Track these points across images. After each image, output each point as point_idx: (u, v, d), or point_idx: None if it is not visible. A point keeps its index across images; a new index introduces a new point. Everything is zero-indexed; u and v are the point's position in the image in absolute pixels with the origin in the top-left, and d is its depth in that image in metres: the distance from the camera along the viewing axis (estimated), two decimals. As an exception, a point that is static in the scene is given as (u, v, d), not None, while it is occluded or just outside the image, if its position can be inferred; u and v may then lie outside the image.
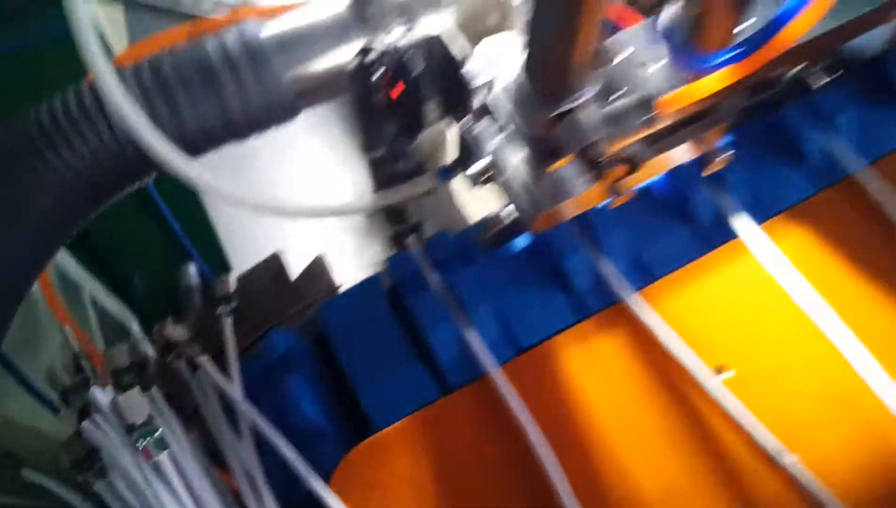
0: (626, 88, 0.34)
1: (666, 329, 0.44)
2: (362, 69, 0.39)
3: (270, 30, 0.43)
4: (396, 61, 0.39)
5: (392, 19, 0.43)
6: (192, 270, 0.53)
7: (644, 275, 0.47)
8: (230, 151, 0.54)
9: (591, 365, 0.44)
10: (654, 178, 0.49)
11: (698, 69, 0.33)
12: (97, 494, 0.37)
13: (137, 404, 0.37)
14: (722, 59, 0.33)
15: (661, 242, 0.48)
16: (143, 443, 0.37)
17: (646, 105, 0.32)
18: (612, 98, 0.34)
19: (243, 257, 0.83)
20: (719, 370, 0.44)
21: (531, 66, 0.32)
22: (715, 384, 0.43)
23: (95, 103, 0.39)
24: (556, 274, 0.46)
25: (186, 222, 1.22)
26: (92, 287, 1.01)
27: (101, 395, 0.38)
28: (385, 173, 0.47)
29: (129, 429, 0.36)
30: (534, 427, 0.41)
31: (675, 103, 0.33)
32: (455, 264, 0.46)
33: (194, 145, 0.43)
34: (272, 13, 0.46)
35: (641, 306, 0.45)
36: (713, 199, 0.48)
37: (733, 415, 0.42)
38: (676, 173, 0.48)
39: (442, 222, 0.59)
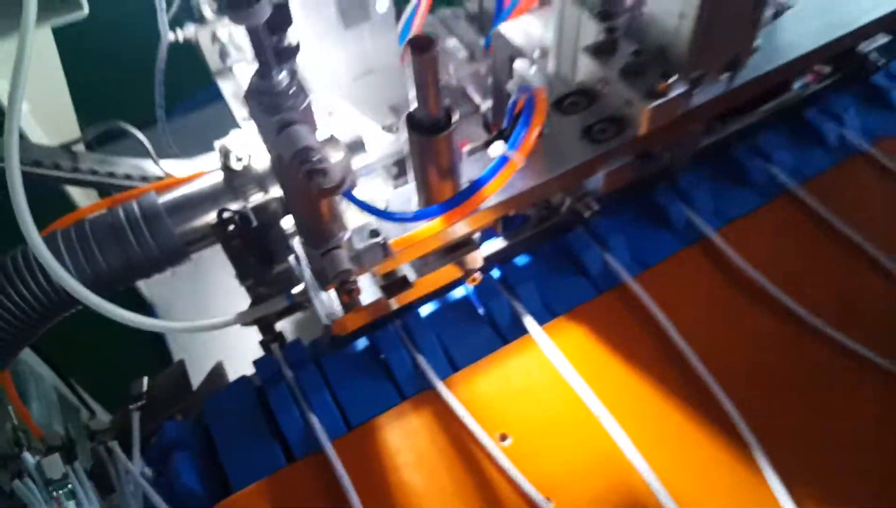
0: (380, 233, 0.49)
1: (462, 408, 0.57)
2: (220, 225, 0.56)
3: (166, 197, 0.61)
4: (242, 219, 0.55)
5: (252, 187, 0.60)
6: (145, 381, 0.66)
7: (451, 365, 0.61)
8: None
9: (406, 437, 0.57)
10: (469, 291, 0.64)
11: (421, 219, 0.49)
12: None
13: (55, 465, 0.52)
14: (436, 212, 0.49)
15: (468, 339, 0.62)
16: (57, 494, 0.51)
17: (384, 246, 0.48)
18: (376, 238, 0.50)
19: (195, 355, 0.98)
20: (502, 438, 0.57)
21: (297, 227, 0.48)
22: (496, 450, 0.56)
23: (35, 260, 0.56)
24: (383, 367, 0.60)
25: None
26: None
27: (30, 458, 0.52)
28: (255, 295, 0.62)
29: (48, 483, 0.50)
30: (351, 488, 0.54)
31: (404, 244, 0.49)
32: (305, 364, 0.60)
33: (108, 283, 0.59)
34: (177, 183, 0.64)
35: (446, 391, 0.58)
36: (510, 304, 0.63)
37: (509, 472, 0.55)
38: (484, 287, 0.63)
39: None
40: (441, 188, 0.49)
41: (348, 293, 0.46)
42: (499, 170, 0.50)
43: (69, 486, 0.51)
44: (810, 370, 0.59)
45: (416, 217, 0.48)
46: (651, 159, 0.65)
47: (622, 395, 0.58)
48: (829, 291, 0.63)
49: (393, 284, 0.53)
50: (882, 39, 0.74)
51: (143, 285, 1.15)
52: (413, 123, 0.46)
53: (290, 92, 0.38)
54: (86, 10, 0.71)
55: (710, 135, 0.70)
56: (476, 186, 0.49)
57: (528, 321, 0.62)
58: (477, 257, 0.56)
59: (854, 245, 0.65)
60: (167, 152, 0.86)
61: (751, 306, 0.63)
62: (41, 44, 0.73)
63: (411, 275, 0.54)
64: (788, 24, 0.63)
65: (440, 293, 0.65)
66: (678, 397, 0.58)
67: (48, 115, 0.80)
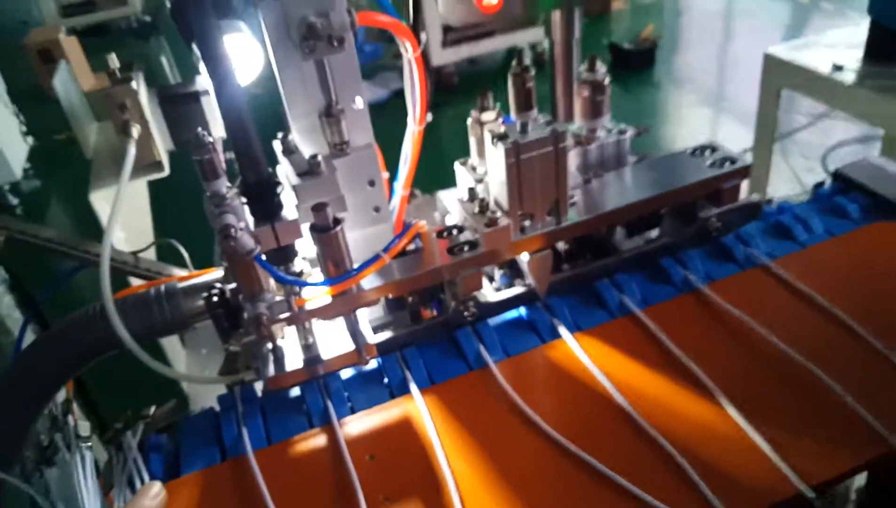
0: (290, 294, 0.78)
1: (342, 436, 0.80)
2: (208, 298, 0.86)
3: (184, 285, 0.92)
4: (221, 293, 0.85)
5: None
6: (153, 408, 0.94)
7: (351, 409, 0.84)
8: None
9: (306, 452, 0.80)
10: (380, 362, 0.89)
11: (309, 286, 0.77)
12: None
13: (85, 427, 0.79)
14: (322, 284, 0.77)
15: (366, 393, 0.86)
16: (80, 445, 0.77)
17: (289, 302, 0.76)
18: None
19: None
20: (371, 457, 0.78)
21: (238, 287, 0.77)
22: (365, 464, 0.77)
23: (102, 313, 0.86)
24: (303, 406, 0.85)
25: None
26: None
27: (72, 419, 0.79)
28: (228, 353, 0.90)
29: (77, 437, 0.77)
30: (262, 484, 0.76)
31: (301, 303, 0.76)
32: (252, 400, 0.86)
33: (139, 336, 0.89)
34: (195, 276, 0.95)
35: (340, 425, 0.82)
36: (403, 372, 0.87)
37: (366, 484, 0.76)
38: (387, 359, 0.88)
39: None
40: (333, 270, 0.78)
41: (261, 329, 0.73)
42: (371, 264, 0.78)
43: (90, 444, 0.78)
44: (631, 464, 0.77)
45: (305, 284, 0.76)
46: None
47: (471, 455, 0.77)
48: (649, 394, 0.82)
49: (310, 359, 0.80)
50: (720, 209, 0.98)
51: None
52: (313, 227, 0.75)
53: (228, 197, 0.69)
54: (167, 171, 1.09)
55: (576, 268, 0.95)
56: (355, 271, 0.77)
57: (412, 385, 0.85)
58: (372, 349, 0.82)
59: (680, 363, 0.84)
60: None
61: (594, 393, 0.83)
62: (138, 187, 1.11)
63: (324, 355, 0.81)
64: (612, 186, 0.90)
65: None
66: (521, 459, 0.77)
67: (133, 234, 1.17)
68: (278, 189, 0.77)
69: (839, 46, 1.85)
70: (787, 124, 2.42)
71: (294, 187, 0.79)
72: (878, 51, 1.75)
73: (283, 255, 0.81)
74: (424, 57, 0.83)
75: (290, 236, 0.78)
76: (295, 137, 0.86)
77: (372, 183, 0.88)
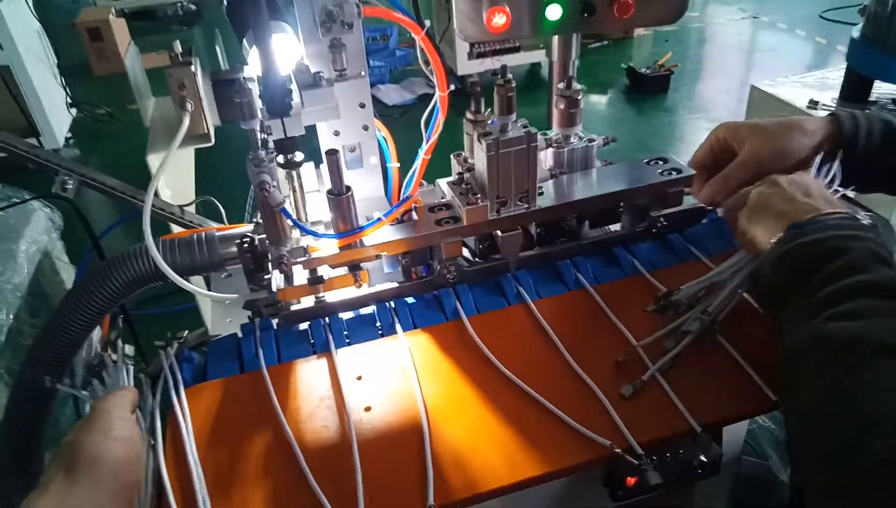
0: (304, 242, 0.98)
1: (338, 362, 1.00)
2: (240, 244, 1.06)
3: (220, 233, 1.13)
4: (251, 241, 1.06)
5: (263, 229, 1.11)
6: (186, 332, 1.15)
7: (348, 342, 1.04)
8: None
9: (310, 372, 1.00)
10: (375, 312, 1.09)
11: (322, 237, 0.97)
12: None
13: (130, 349, 0.99)
14: (331, 236, 0.97)
15: (361, 332, 1.06)
16: (126, 361, 0.98)
17: (305, 249, 0.96)
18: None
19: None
20: (367, 409, 0.97)
21: (266, 234, 0.97)
22: (360, 416, 0.97)
23: (146, 252, 1.07)
24: (309, 337, 1.05)
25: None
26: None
27: (121, 342, 1.00)
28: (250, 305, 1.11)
29: (124, 355, 0.98)
30: (272, 391, 0.96)
31: (314, 251, 0.96)
32: (269, 329, 1.06)
33: (182, 271, 1.09)
34: (231, 227, 1.16)
35: (336, 353, 1.02)
36: (391, 317, 1.07)
37: (366, 433, 0.95)
38: (381, 308, 1.08)
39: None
40: (342, 227, 0.98)
41: (284, 268, 0.94)
42: (373, 225, 0.98)
43: (132, 362, 0.98)
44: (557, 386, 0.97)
45: (318, 235, 0.96)
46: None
47: (439, 381, 0.97)
48: (589, 350, 1.02)
49: (314, 278, 1.00)
50: (668, 211, 1.17)
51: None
52: (329, 192, 0.96)
53: (266, 159, 0.90)
54: (212, 141, 1.30)
55: (544, 247, 1.15)
56: (358, 229, 0.97)
57: (398, 327, 1.05)
58: (366, 275, 1.02)
59: (617, 327, 1.04)
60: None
61: (543, 345, 1.02)
62: (186, 154, 1.32)
63: (326, 275, 1.01)
64: (576, 182, 1.09)
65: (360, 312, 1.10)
66: (477, 387, 0.97)
67: (179, 190, 1.38)
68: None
69: (818, 86, 2.03)
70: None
71: (301, 94, 0.96)
72: (851, 93, 1.93)
73: (287, 145, 0.96)
74: (430, 38, 1.04)
75: (294, 129, 0.94)
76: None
77: (362, 105, 1.10)
